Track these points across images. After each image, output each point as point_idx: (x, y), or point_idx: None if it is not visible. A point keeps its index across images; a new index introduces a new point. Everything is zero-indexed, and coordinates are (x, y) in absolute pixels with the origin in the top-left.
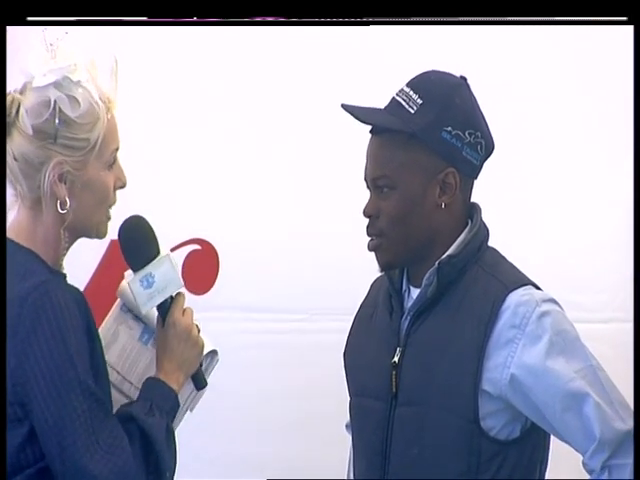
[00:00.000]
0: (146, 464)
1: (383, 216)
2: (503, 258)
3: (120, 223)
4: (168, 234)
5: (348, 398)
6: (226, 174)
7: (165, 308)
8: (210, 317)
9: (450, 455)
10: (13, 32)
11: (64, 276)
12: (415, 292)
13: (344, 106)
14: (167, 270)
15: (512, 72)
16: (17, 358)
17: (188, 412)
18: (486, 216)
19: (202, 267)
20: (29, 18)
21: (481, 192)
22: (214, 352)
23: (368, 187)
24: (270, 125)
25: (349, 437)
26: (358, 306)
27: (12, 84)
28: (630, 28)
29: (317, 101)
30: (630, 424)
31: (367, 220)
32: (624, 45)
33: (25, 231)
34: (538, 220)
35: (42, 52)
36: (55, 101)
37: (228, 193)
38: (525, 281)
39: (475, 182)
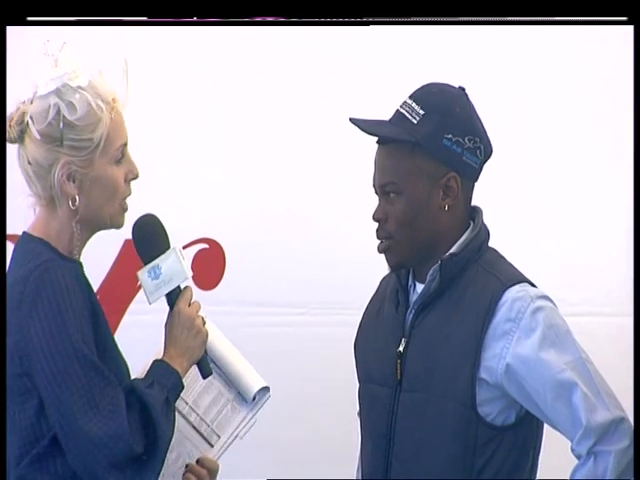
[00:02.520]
0: (144, 431)
1: (391, 220)
2: (502, 257)
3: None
4: (178, 234)
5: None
6: (230, 177)
7: (173, 299)
8: (217, 311)
9: (449, 439)
10: (13, 32)
11: (78, 263)
12: (420, 287)
13: (352, 120)
14: (173, 262)
15: (512, 72)
16: (21, 332)
17: (238, 439)
18: (486, 216)
19: (210, 264)
20: (29, 18)
21: (481, 192)
22: (267, 388)
23: (376, 193)
24: (270, 125)
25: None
26: (367, 300)
27: (15, 88)
28: (630, 28)
29: (318, 101)
30: (615, 414)
31: (375, 224)
32: (624, 45)
33: (41, 226)
34: (538, 219)
35: (45, 63)
36: (55, 107)
37: (234, 196)
38: (521, 279)
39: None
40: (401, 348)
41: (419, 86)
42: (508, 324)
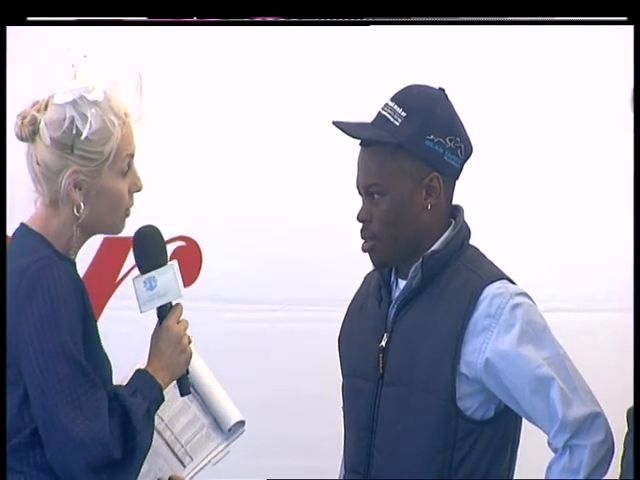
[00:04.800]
0: (123, 438)
1: (375, 220)
2: (483, 255)
3: (137, 227)
4: None
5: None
6: (207, 175)
7: (163, 313)
8: (193, 307)
9: (429, 432)
10: (13, 32)
11: (73, 263)
12: (402, 284)
13: (335, 123)
14: (169, 279)
15: (512, 72)
16: (14, 323)
17: (210, 465)
18: (486, 215)
19: (186, 262)
20: (29, 18)
21: (482, 192)
22: (242, 422)
23: (360, 194)
24: (268, 125)
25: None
26: (341, 297)
27: (15, 88)
28: (630, 28)
29: (316, 101)
30: (591, 408)
31: (350, 223)
32: (624, 45)
33: (41, 222)
34: (540, 218)
35: (64, 72)
36: (70, 118)
37: (210, 194)
38: (501, 276)
39: (479, 181)
40: (383, 343)
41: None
42: (488, 320)
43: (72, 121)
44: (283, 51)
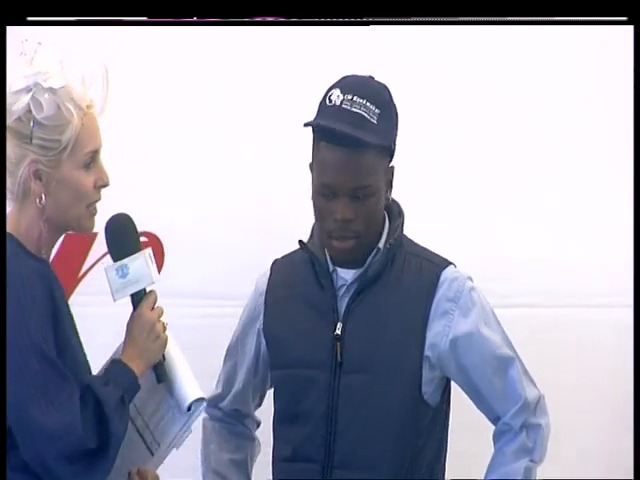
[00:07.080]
0: (97, 428)
1: (360, 219)
2: (417, 243)
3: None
4: None
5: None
6: (209, 174)
7: (137, 300)
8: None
9: (394, 418)
10: (13, 32)
11: (45, 262)
12: (342, 272)
13: (319, 125)
14: (141, 265)
15: (512, 72)
16: None
17: (174, 449)
18: (491, 213)
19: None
20: (29, 18)
21: (483, 191)
22: (202, 399)
23: (335, 193)
24: (268, 124)
25: None
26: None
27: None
28: (630, 28)
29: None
30: (538, 390)
31: (336, 222)
32: (624, 45)
33: (12, 221)
34: (541, 216)
35: (21, 61)
36: (25, 104)
37: (173, 191)
38: (448, 260)
39: (479, 180)
40: (338, 331)
41: (352, 81)
42: (449, 303)
43: (27, 107)
44: (283, 51)
